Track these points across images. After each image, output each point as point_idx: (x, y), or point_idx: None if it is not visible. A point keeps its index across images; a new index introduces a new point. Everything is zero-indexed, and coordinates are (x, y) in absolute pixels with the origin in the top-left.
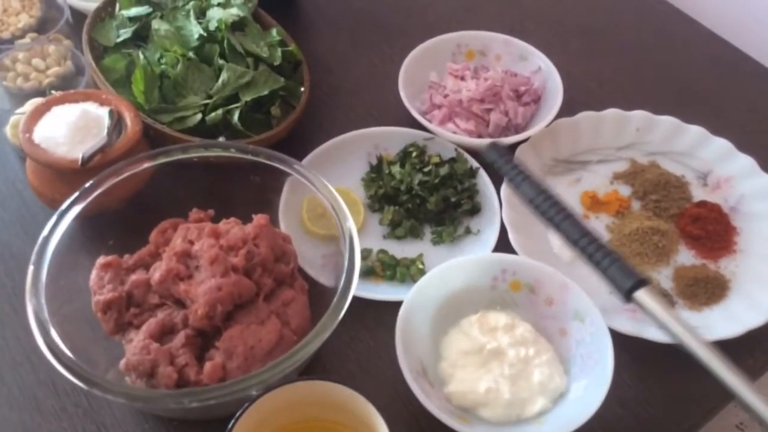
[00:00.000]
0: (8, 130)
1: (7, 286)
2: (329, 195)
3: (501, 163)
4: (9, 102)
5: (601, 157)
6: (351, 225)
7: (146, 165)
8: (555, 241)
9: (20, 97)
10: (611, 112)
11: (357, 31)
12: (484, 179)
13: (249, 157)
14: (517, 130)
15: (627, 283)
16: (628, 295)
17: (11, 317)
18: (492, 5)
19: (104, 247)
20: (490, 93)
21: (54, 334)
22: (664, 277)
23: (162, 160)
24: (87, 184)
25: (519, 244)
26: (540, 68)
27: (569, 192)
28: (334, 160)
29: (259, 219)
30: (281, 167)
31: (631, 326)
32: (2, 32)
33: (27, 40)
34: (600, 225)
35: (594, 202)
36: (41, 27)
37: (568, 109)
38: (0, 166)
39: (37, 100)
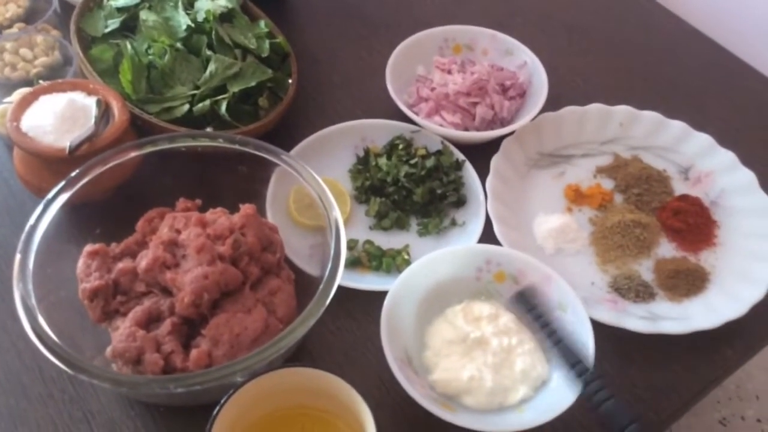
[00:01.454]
0: None
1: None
2: (316, 185)
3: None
4: None
5: (585, 151)
6: (337, 214)
7: (133, 154)
8: (539, 233)
9: (7, 86)
10: (595, 107)
11: (345, 24)
12: (469, 172)
13: (236, 147)
14: (503, 123)
15: (622, 421)
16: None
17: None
18: (480, 0)
19: (91, 236)
20: (476, 87)
21: (41, 319)
22: (645, 269)
23: (149, 149)
24: (74, 173)
25: (504, 236)
26: (526, 63)
27: (553, 185)
28: (322, 151)
29: (246, 209)
30: (269, 157)
31: (611, 317)
32: None
33: (14, 30)
34: (583, 218)
35: (577, 195)
36: (29, 17)
37: (553, 103)
38: None
39: (24, 90)
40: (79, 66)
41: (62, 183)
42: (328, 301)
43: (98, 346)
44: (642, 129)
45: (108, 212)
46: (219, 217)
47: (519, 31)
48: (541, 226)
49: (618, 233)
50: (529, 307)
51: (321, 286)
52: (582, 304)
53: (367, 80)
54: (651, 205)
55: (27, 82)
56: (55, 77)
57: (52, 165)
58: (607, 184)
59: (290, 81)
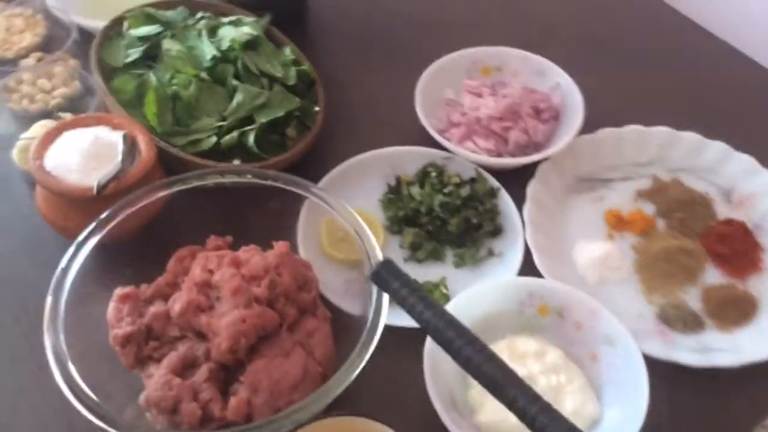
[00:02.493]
0: (15, 154)
1: (22, 321)
2: (350, 218)
3: (396, 286)
4: (15, 125)
5: (624, 174)
6: (376, 249)
7: (162, 194)
8: (580, 262)
9: (27, 119)
10: (632, 129)
11: (370, 47)
12: (505, 199)
13: (266, 182)
14: (537, 148)
15: None
16: None
17: (27, 356)
18: (508, 20)
19: (121, 278)
20: (509, 111)
21: (72, 369)
22: (692, 297)
23: (178, 187)
24: (104, 215)
25: (544, 267)
26: (559, 84)
27: (592, 210)
28: (351, 181)
29: (280, 246)
30: (299, 191)
31: (661, 350)
32: (6, 52)
33: (31, 60)
34: (625, 244)
35: (618, 221)
36: (46, 46)
37: (588, 125)
38: (6, 192)
39: (44, 123)
40: (101, 98)
41: (93, 225)
42: (374, 345)
43: (130, 393)
44: (681, 150)
45: (136, 251)
46: (253, 256)
47: (550, 50)
48: (582, 255)
49: (663, 261)
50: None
51: (366, 329)
52: (632, 338)
53: (395, 105)
54: (695, 229)
55: (46, 114)
56: (76, 108)
57: (78, 204)
58: (649, 208)
59: (317, 109)
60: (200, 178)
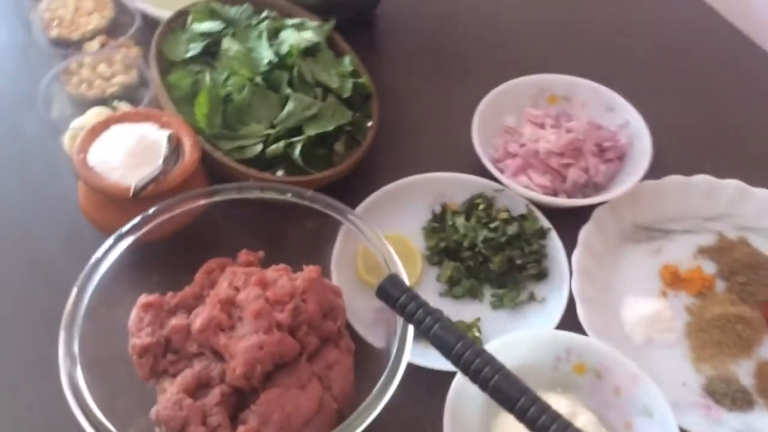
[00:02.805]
0: (66, 140)
1: (47, 310)
2: (383, 249)
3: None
4: (70, 109)
5: (687, 226)
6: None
7: (202, 202)
8: (628, 319)
9: (82, 104)
10: (701, 179)
11: (433, 62)
12: (554, 242)
13: (305, 203)
14: (597, 188)
15: None
16: None
17: (48, 343)
18: (581, 47)
19: (148, 284)
20: (571, 147)
21: (80, 376)
22: (744, 371)
23: (217, 198)
24: (140, 218)
25: (588, 321)
26: (628, 122)
27: (648, 263)
28: (396, 203)
29: (310, 271)
30: (336, 216)
31: (703, 426)
32: (72, 32)
33: (95, 43)
34: (679, 304)
35: (674, 278)
36: (111, 30)
37: (653, 169)
38: (54, 177)
39: (98, 110)
40: (155, 91)
41: (128, 226)
42: (395, 386)
43: (143, 403)
44: (752, 208)
45: (166, 257)
46: (280, 277)
47: (621, 82)
48: (631, 311)
49: (717, 327)
50: (395, 300)
51: (388, 367)
52: (671, 412)
53: (451, 125)
54: (757, 296)
55: (101, 101)
56: (130, 97)
57: (116, 203)
58: (709, 267)
59: (370, 124)
60: (239, 191)
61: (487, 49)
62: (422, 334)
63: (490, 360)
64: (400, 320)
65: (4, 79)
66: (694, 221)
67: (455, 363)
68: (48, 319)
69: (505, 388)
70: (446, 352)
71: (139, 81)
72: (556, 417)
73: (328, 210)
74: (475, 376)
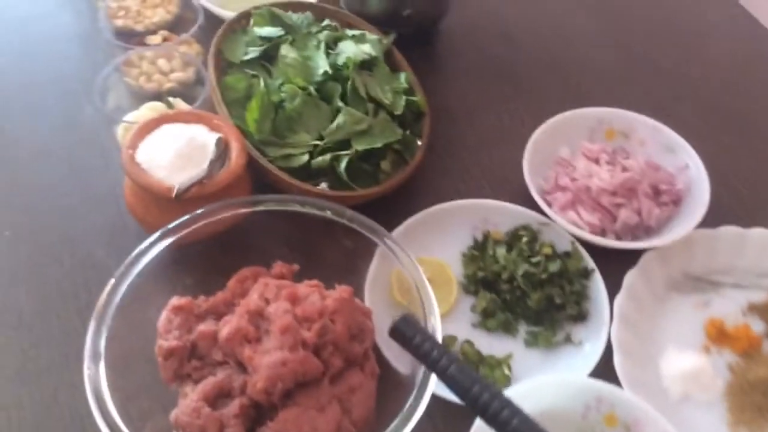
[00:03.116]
0: (120, 130)
1: (85, 300)
2: (417, 276)
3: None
4: (127, 100)
5: (738, 280)
6: (435, 315)
7: (243, 210)
8: (666, 373)
9: (139, 97)
10: (759, 233)
11: (491, 82)
12: (597, 284)
13: (343, 221)
14: (647, 232)
15: None
16: None
17: (79, 332)
18: (646, 81)
19: (181, 287)
20: (624, 186)
21: (102, 369)
22: None
23: (258, 208)
24: (182, 220)
25: (624, 370)
26: (687, 166)
27: (693, 316)
28: (437, 226)
29: (341, 291)
30: (373, 238)
31: None
32: (137, 24)
33: (158, 37)
34: (721, 361)
35: (719, 334)
36: (174, 25)
37: (709, 215)
38: (105, 167)
39: (153, 104)
40: (210, 91)
41: (169, 226)
42: (417, 418)
43: (165, 403)
44: None
45: (203, 259)
46: (312, 293)
47: (682, 119)
48: (670, 365)
49: (760, 392)
50: (410, 340)
51: (412, 396)
52: None
53: (503, 150)
54: None
55: (157, 96)
56: (186, 95)
57: (159, 201)
58: (758, 326)
59: (419, 144)
60: (280, 203)
61: (547, 74)
62: (438, 374)
63: (507, 404)
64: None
65: (66, 65)
66: (747, 276)
67: (471, 405)
68: (82, 309)
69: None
70: (461, 394)
71: (196, 79)
72: None
73: (365, 231)
74: (492, 420)
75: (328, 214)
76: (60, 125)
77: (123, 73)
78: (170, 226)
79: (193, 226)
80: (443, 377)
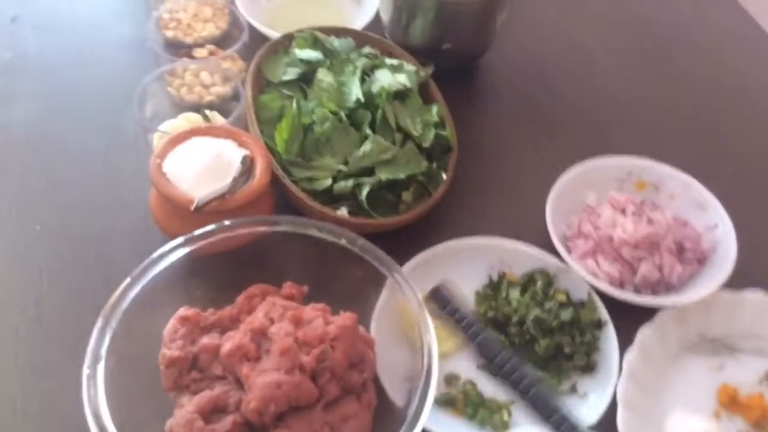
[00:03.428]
0: (155, 139)
1: (100, 298)
2: (420, 316)
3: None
4: (167, 109)
5: (757, 347)
6: (433, 362)
7: (262, 229)
8: None
9: (179, 107)
10: None
11: (524, 121)
12: (609, 336)
13: (356, 251)
14: (668, 288)
15: None
16: None
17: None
18: (682, 133)
19: (192, 295)
20: (648, 240)
21: (101, 369)
22: None
23: (276, 228)
24: (201, 231)
25: (627, 428)
26: (716, 226)
27: (706, 379)
28: (454, 261)
29: (345, 319)
30: (382, 270)
31: None
32: (186, 36)
33: (204, 51)
34: (732, 429)
35: (732, 401)
36: (222, 41)
37: (734, 277)
38: (138, 171)
39: (189, 115)
40: (245, 108)
41: (187, 237)
42: None
43: (162, 411)
44: None
45: (215, 272)
46: (316, 318)
47: (715, 174)
48: (677, 427)
49: None
50: (445, 304)
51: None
52: None
53: (528, 191)
54: None
55: (195, 108)
56: (224, 109)
57: (181, 212)
58: None
59: (444, 177)
60: (298, 226)
61: (581, 119)
62: (470, 339)
63: (527, 374)
64: (423, 381)
65: (114, 71)
66: (767, 343)
67: (497, 372)
68: (98, 309)
69: (541, 402)
70: (489, 358)
71: (233, 94)
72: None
73: (375, 263)
74: (515, 385)
75: (343, 241)
76: (101, 128)
77: (166, 82)
78: (187, 236)
79: (211, 239)
80: (474, 342)
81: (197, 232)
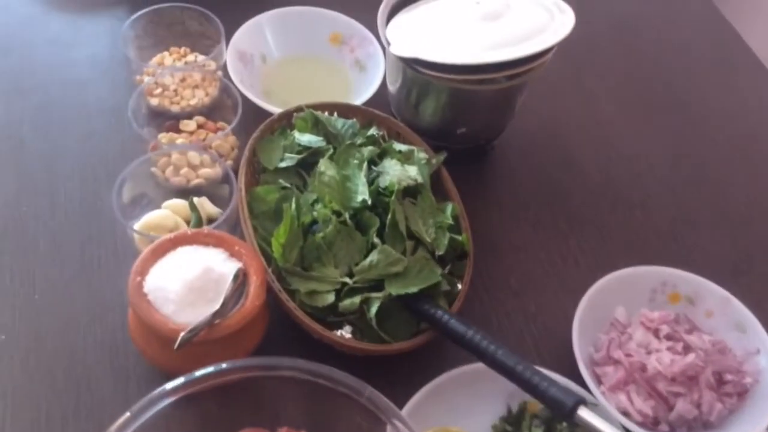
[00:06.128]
0: (136, 238)
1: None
2: None
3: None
4: (152, 189)
5: None
6: None
7: (258, 374)
8: None
9: (164, 191)
10: None
11: (545, 211)
12: None
13: (359, 400)
14: (706, 426)
15: (568, 402)
16: (570, 414)
17: None
18: (720, 234)
19: None
20: (686, 374)
21: None
22: None
23: (271, 373)
24: (183, 379)
25: None
26: (758, 352)
27: None
28: (468, 389)
29: None
30: (382, 418)
31: None
32: (173, 105)
33: (193, 123)
34: None
35: None
36: (212, 110)
37: None
38: (116, 268)
39: (174, 202)
40: (238, 202)
41: (171, 386)
42: None
43: None
44: None
45: (207, 408)
46: None
47: (750, 282)
48: None
49: None
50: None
51: None
52: None
53: (551, 295)
54: None
55: (182, 193)
56: (213, 193)
57: (162, 339)
58: None
59: (459, 287)
60: (293, 369)
61: (608, 209)
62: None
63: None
64: None
65: (90, 146)
66: None
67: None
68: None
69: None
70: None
71: (224, 175)
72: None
73: (378, 413)
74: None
75: (342, 389)
76: (76, 213)
77: (151, 162)
78: (171, 385)
79: (198, 387)
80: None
81: (180, 380)
